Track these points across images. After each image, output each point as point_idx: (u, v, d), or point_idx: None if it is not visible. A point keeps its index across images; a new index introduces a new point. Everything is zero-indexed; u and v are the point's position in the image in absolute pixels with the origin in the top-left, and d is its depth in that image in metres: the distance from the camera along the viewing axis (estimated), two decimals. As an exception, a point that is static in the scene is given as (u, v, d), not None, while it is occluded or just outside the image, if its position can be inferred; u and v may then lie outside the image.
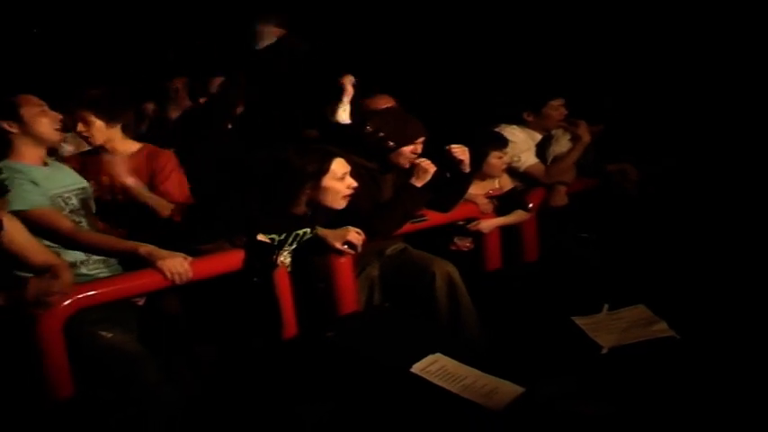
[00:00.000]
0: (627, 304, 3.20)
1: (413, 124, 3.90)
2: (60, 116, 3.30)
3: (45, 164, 3.31)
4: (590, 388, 2.64)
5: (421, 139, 3.86)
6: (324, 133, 4.39)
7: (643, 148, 4.82)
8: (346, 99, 3.91)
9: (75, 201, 3.33)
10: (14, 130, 3.17)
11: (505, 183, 4.50)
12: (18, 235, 2.90)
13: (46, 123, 3.22)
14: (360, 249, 3.57)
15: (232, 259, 3.28)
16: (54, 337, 2.88)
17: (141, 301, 3.37)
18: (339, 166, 3.44)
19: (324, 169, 3.41)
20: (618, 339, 2.96)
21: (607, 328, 3.04)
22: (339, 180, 3.43)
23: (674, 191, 4.67)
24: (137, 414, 2.95)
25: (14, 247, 2.88)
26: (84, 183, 3.46)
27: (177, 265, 3.07)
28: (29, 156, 3.21)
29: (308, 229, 3.52)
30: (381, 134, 3.80)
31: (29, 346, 2.87)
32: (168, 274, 3.05)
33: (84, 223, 3.33)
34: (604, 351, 2.90)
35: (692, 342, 2.92)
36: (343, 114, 3.96)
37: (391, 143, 3.81)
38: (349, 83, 3.92)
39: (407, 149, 3.84)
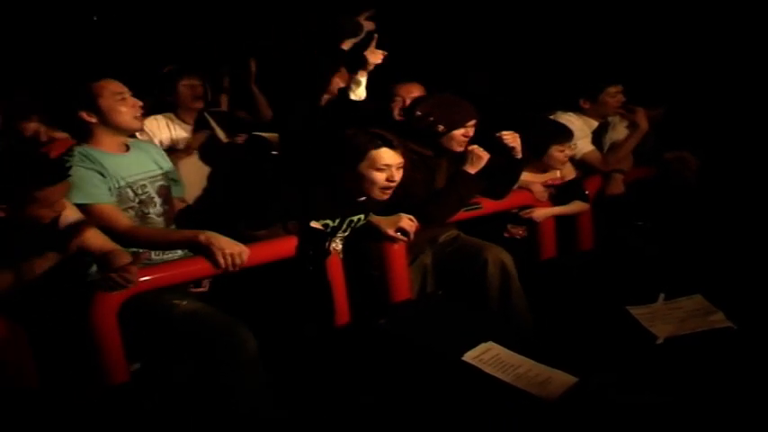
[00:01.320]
0: (684, 294, 3.15)
1: (462, 107, 3.88)
2: (141, 103, 3.29)
3: (127, 147, 3.32)
4: (645, 379, 2.61)
5: (472, 122, 3.84)
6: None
7: (704, 136, 4.74)
8: (362, 73, 3.89)
9: (150, 188, 3.32)
10: (93, 119, 3.17)
11: (568, 172, 4.45)
12: (75, 220, 2.94)
13: (125, 113, 3.21)
14: (412, 237, 3.57)
15: (285, 246, 3.29)
16: (109, 321, 2.92)
17: (205, 287, 3.40)
18: (382, 156, 3.41)
19: (360, 156, 3.40)
20: (674, 330, 2.91)
21: (663, 319, 3.00)
22: (377, 170, 3.40)
23: (734, 179, 4.58)
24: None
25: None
26: (167, 165, 3.48)
27: (234, 252, 3.07)
28: (107, 143, 3.22)
29: (362, 216, 3.53)
30: (431, 119, 3.79)
31: (84, 331, 2.92)
32: (222, 261, 3.04)
33: (152, 214, 3.31)
34: (660, 341, 2.86)
35: (751, 333, 2.86)
36: (359, 90, 3.93)
37: (442, 127, 3.79)
38: (374, 57, 3.87)
39: (458, 133, 3.82)
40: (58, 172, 2.78)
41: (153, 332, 3.10)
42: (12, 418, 2.73)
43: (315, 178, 3.48)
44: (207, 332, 3.02)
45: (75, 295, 2.91)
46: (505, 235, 4.22)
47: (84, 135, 3.20)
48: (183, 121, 4.36)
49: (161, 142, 4.10)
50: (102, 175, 3.14)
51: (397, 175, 3.47)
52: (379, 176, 3.42)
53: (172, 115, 4.35)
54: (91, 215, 3.04)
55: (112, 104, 3.19)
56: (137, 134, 3.63)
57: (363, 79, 3.87)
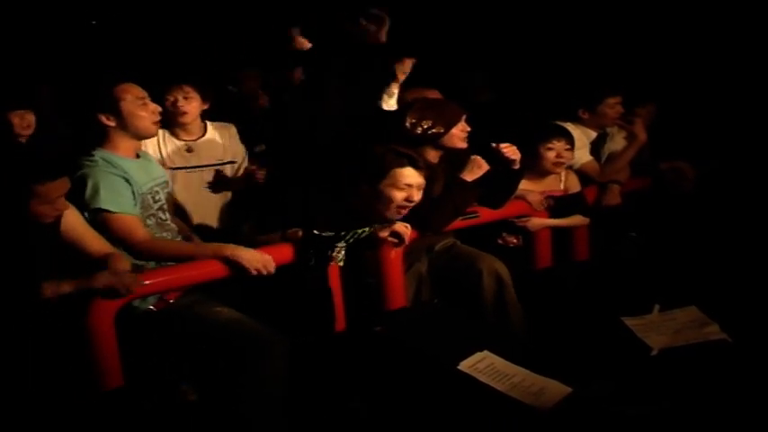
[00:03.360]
0: (679, 305, 3.16)
1: (451, 106, 3.92)
2: (160, 108, 3.28)
3: (137, 155, 3.31)
4: (639, 390, 2.61)
5: (464, 117, 3.87)
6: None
7: (700, 146, 4.75)
8: (395, 85, 3.91)
9: (161, 195, 3.34)
10: (112, 123, 3.15)
11: (572, 185, 4.46)
12: (77, 222, 2.95)
13: (145, 118, 3.20)
14: (406, 241, 3.58)
15: (286, 253, 3.31)
16: (105, 326, 2.92)
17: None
18: (405, 175, 3.42)
19: (384, 173, 3.41)
20: (668, 341, 2.92)
21: (657, 330, 3.01)
22: (398, 189, 3.42)
23: (729, 190, 4.59)
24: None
25: (73, 234, 2.92)
26: (165, 175, 3.50)
27: (262, 264, 3.12)
28: (123, 148, 3.20)
29: (368, 228, 3.53)
30: (426, 123, 3.81)
31: (80, 335, 2.92)
32: (254, 273, 3.10)
33: (168, 220, 3.35)
34: (654, 353, 2.87)
35: (746, 346, 2.87)
36: (392, 101, 3.95)
37: (440, 128, 3.81)
38: (401, 71, 3.89)
39: (457, 130, 3.84)
40: (58, 167, 2.77)
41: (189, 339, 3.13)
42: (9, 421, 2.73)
43: (328, 188, 3.49)
44: (248, 341, 3.05)
45: (72, 299, 2.91)
46: (499, 242, 4.22)
47: (99, 138, 3.18)
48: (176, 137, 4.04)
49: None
50: (128, 182, 3.13)
51: (417, 196, 3.48)
52: (399, 195, 3.43)
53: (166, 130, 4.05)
54: (110, 223, 3.05)
55: (134, 109, 3.17)
56: None
57: (396, 90, 3.90)
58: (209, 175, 3.99)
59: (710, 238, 4.30)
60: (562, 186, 4.39)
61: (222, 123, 4.14)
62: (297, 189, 3.53)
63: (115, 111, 3.14)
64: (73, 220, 2.92)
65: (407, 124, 3.79)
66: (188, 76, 3.99)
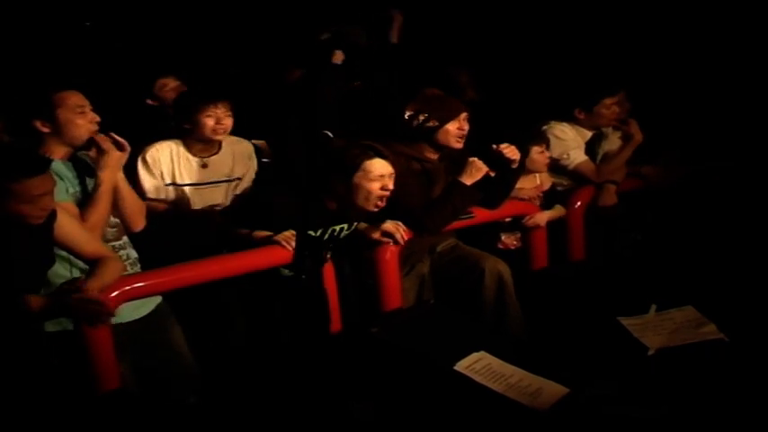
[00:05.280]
0: (676, 305, 3.15)
1: (451, 101, 3.92)
2: (98, 118, 3.16)
3: (69, 159, 3.19)
4: (636, 391, 2.61)
5: (463, 116, 3.86)
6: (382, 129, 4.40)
7: (694, 144, 4.77)
8: None
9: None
10: (46, 129, 3.06)
11: (545, 180, 4.47)
12: (69, 225, 2.92)
13: (81, 126, 3.09)
14: (400, 240, 3.58)
15: (280, 254, 3.30)
16: (102, 331, 2.90)
17: None
18: (377, 166, 3.44)
19: (355, 166, 3.42)
20: (665, 341, 2.92)
21: (654, 330, 3.01)
22: (372, 180, 3.43)
23: (724, 191, 4.60)
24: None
25: (66, 238, 2.90)
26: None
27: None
28: (57, 153, 3.10)
29: (345, 226, 3.53)
30: (423, 116, 3.80)
31: (77, 340, 2.90)
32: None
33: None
34: (651, 353, 2.87)
35: (742, 345, 2.87)
36: None
37: (434, 122, 3.80)
38: None
39: (452, 127, 3.83)
40: (35, 164, 2.71)
41: None
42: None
43: (301, 187, 3.49)
44: None
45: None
46: (499, 246, 4.23)
47: (33, 143, 3.08)
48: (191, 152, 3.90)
49: (161, 174, 3.82)
50: (59, 176, 3.02)
51: (391, 185, 3.48)
52: (375, 186, 3.43)
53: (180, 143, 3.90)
54: None
55: (71, 117, 3.08)
56: None
57: None
58: (218, 191, 3.96)
59: (707, 238, 4.30)
60: (538, 181, 4.41)
61: (238, 138, 4.08)
62: (279, 190, 3.53)
63: (50, 117, 3.06)
64: (64, 223, 2.90)
65: (406, 116, 3.80)
66: (223, 93, 3.95)
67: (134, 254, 3.26)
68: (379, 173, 3.44)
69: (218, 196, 3.86)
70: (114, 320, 2.98)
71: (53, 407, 2.81)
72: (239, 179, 3.95)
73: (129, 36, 5.78)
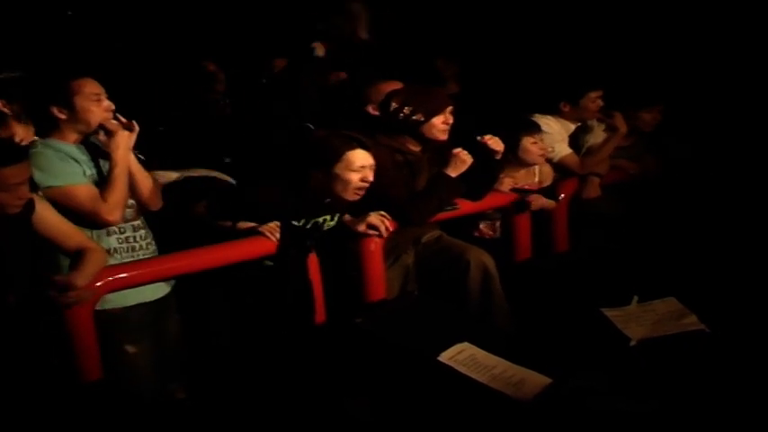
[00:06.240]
0: (658, 296, 3.17)
1: (437, 95, 3.93)
2: (113, 106, 3.22)
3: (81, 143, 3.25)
4: (623, 383, 2.62)
5: (449, 108, 3.85)
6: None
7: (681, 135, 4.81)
8: None
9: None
10: (63, 116, 3.11)
11: (547, 175, 4.48)
12: (50, 217, 2.91)
13: (96, 113, 3.14)
14: (384, 232, 3.58)
15: (266, 244, 3.31)
16: (84, 322, 2.90)
17: None
18: (357, 157, 3.44)
19: (336, 156, 3.42)
20: (647, 332, 2.93)
21: (637, 321, 3.02)
22: (352, 171, 3.42)
23: (708, 182, 4.63)
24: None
25: (47, 230, 2.89)
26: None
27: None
28: (70, 137, 3.16)
29: (328, 217, 3.53)
30: (409, 109, 3.80)
31: (60, 331, 2.90)
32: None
33: None
34: (633, 343, 2.88)
35: (724, 336, 2.88)
36: None
37: (420, 116, 3.80)
38: None
39: (438, 120, 3.83)
40: (13, 152, 2.73)
41: None
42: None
43: (281, 178, 3.49)
44: None
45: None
46: (476, 234, 4.23)
47: (48, 128, 3.16)
48: None
49: None
50: (75, 160, 3.11)
51: (371, 176, 3.48)
52: (355, 177, 3.43)
53: None
54: (65, 199, 3.01)
55: (87, 104, 3.14)
56: None
57: None
58: None
59: (689, 230, 4.33)
60: (537, 179, 4.41)
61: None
62: (263, 181, 3.53)
63: (68, 104, 3.12)
64: (45, 214, 2.88)
65: (391, 109, 3.79)
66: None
67: (150, 234, 3.32)
68: (360, 164, 3.43)
69: None
70: (136, 300, 3.13)
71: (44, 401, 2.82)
72: None
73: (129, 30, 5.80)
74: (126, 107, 3.27)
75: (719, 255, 3.79)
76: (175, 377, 3.37)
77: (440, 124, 3.83)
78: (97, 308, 2.99)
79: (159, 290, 3.29)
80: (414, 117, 3.79)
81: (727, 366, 2.71)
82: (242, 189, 3.66)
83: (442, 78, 5.14)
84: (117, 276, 3.00)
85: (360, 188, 3.46)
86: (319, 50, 4.87)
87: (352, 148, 3.44)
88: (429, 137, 3.85)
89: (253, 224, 3.33)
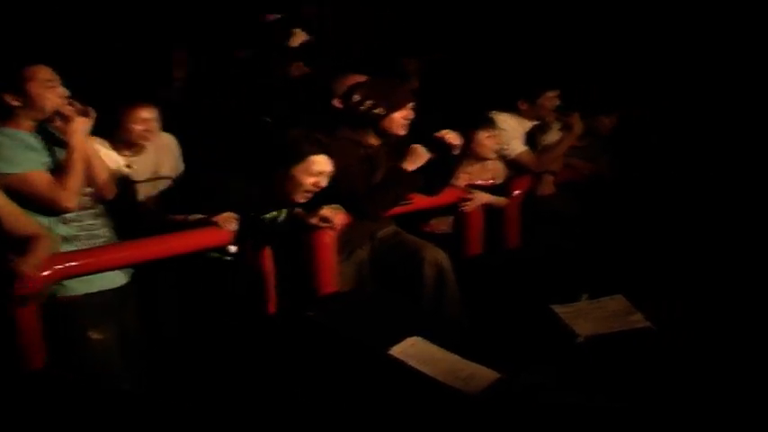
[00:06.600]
0: (606, 294, 3.21)
1: (400, 90, 3.96)
2: (68, 93, 3.19)
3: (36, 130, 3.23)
4: (568, 378, 2.65)
5: (410, 105, 3.87)
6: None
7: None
8: None
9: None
10: (17, 103, 3.08)
11: (499, 172, 4.51)
12: (1, 204, 2.89)
13: (50, 100, 3.12)
14: (336, 225, 3.59)
15: (220, 235, 3.31)
16: (28, 310, 2.88)
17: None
18: (318, 162, 3.48)
19: (299, 158, 3.45)
20: (595, 328, 2.97)
21: (585, 317, 3.05)
22: (309, 175, 3.46)
23: (654, 183, 4.71)
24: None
25: None
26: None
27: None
28: (25, 126, 3.13)
29: (276, 213, 3.54)
30: (370, 102, 3.80)
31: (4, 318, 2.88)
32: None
33: None
34: (580, 339, 2.92)
35: (668, 334, 2.93)
36: None
37: (381, 109, 3.81)
38: None
39: (399, 115, 3.85)
40: None
41: None
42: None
43: (241, 170, 3.48)
44: None
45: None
46: (426, 229, 4.26)
47: (3, 117, 3.11)
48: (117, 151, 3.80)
49: None
50: (31, 147, 3.08)
51: (324, 183, 3.53)
52: (309, 181, 3.47)
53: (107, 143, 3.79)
54: (20, 186, 2.99)
55: (41, 91, 3.10)
56: None
57: None
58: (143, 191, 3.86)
59: (638, 228, 4.39)
60: (490, 176, 4.44)
61: (162, 133, 4.00)
62: (218, 174, 3.51)
63: (21, 91, 3.08)
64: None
65: (353, 101, 3.80)
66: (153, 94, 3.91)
67: (110, 222, 3.31)
68: (319, 169, 3.47)
69: None
70: (100, 286, 3.15)
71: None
72: (169, 177, 3.90)
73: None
74: (81, 93, 3.24)
75: (667, 255, 3.85)
76: (138, 366, 3.35)
77: (400, 119, 3.85)
78: (59, 294, 3.00)
79: (120, 277, 3.29)
80: (375, 110, 3.80)
81: (670, 363, 2.75)
82: (199, 181, 3.62)
83: (404, 74, 5.15)
84: (67, 264, 2.98)
85: (309, 192, 3.49)
86: (296, 39, 4.84)
87: (316, 152, 3.47)
88: (389, 131, 3.85)
89: (204, 216, 3.32)
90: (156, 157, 3.88)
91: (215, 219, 3.31)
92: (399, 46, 5.76)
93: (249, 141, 3.85)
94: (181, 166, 3.97)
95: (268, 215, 3.50)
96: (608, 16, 5.68)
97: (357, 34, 5.86)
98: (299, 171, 3.45)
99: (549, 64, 5.48)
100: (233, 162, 3.63)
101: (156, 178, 3.85)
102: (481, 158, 4.38)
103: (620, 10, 5.65)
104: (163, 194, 3.58)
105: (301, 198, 3.50)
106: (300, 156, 3.45)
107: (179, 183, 3.67)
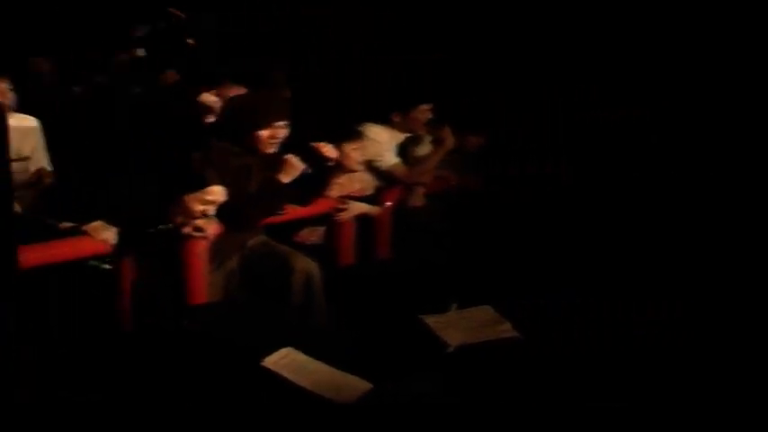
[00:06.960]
0: (475, 304, 3.28)
1: (273, 108, 3.89)
2: (9, 86, 3.07)
3: None
4: (436, 385, 2.70)
5: (280, 123, 3.84)
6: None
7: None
8: None
9: None
10: None
11: (366, 184, 4.56)
12: None
13: None
14: (209, 235, 3.55)
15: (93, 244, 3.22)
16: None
17: None
18: (212, 192, 3.47)
19: (195, 186, 3.44)
20: (465, 338, 3.03)
21: (455, 327, 3.11)
22: (200, 202, 3.45)
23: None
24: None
25: None
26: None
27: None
28: None
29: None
30: (238, 118, 3.77)
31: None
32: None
33: None
34: (450, 349, 2.97)
35: (535, 343, 3.03)
36: None
37: (246, 126, 3.78)
38: None
39: (264, 134, 3.81)
40: None
41: None
42: None
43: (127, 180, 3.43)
44: None
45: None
46: (296, 239, 4.26)
47: None
48: None
49: None
50: None
51: (211, 212, 3.53)
52: (197, 208, 3.45)
53: None
54: None
55: None
56: None
57: None
58: None
59: (505, 238, 4.51)
60: (358, 185, 4.49)
61: (22, 116, 3.89)
62: (104, 180, 3.44)
63: None
64: None
65: (225, 116, 3.77)
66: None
67: None
68: (211, 198, 3.46)
69: None
70: None
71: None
72: (27, 158, 3.81)
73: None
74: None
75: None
76: None
77: (265, 137, 3.81)
78: None
79: None
80: (240, 126, 3.76)
81: (537, 371, 2.85)
82: (82, 188, 3.53)
83: (273, 83, 5.15)
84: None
85: (194, 218, 3.47)
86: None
87: (215, 183, 3.48)
88: (254, 147, 3.82)
89: (74, 224, 3.22)
90: (19, 140, 3.75)
91: (85, 228, 3.21)
92: (270, 55, 5.74)
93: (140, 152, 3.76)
94: (42, 150, 3.89)
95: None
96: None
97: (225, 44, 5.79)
98: (191, 198, 3.41)
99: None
100: (117, 169, 3.56)
101: (17, 159, 3.72)
102: (347, 170, 4.40)
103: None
104: (42, 196, 3.46)
105: (184, 221, 3.47)
106: (198, 185, 3.42)
107: (59, 185, 3.55)
